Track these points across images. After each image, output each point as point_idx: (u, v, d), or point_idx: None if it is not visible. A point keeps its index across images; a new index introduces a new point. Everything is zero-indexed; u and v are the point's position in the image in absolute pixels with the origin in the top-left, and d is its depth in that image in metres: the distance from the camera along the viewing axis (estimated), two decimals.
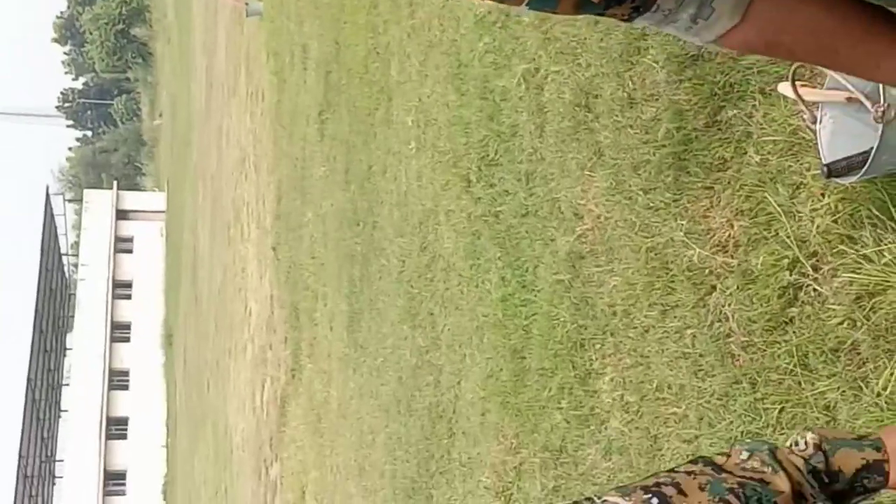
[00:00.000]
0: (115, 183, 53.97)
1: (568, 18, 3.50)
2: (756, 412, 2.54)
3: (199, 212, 22.70)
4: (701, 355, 2.77)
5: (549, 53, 3.84)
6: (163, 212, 43.74)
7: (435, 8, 5.40)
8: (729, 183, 2.67)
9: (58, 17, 79.06)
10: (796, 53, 1.22)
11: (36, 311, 48.80)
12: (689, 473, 1.35)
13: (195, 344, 23.12)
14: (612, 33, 3.32)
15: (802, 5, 1.07)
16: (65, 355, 54.14)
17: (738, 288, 2.61)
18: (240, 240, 13.96)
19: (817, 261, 2.37)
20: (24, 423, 47.06)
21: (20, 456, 45.91)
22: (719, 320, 2.69)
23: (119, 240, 46.84)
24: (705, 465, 1.38)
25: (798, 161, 2.42)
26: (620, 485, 1.37)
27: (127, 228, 47.24)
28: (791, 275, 2.43)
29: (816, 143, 2.21)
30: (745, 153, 2.60)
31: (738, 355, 2.62)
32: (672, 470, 1.37)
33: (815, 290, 2.37)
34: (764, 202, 2.52)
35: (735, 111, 2.66)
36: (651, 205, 3.03)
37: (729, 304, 2.65)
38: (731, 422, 2.64)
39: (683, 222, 2.85)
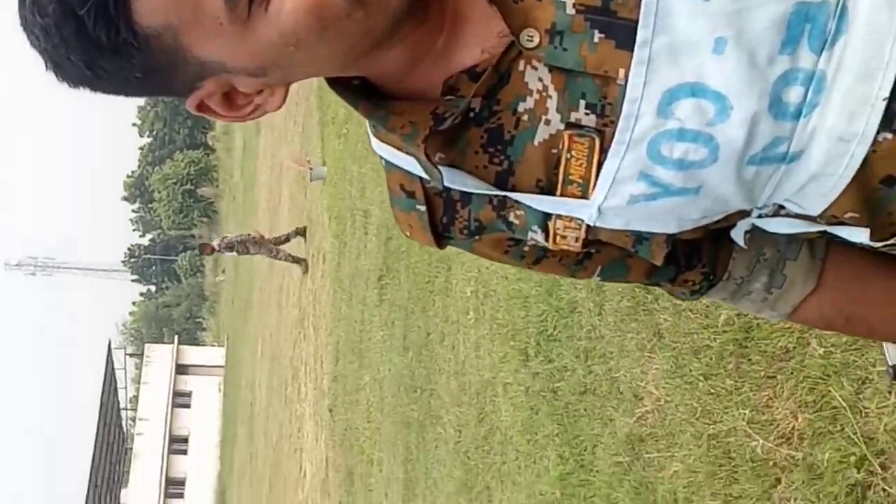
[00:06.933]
0: (175, 338, 54.70)
1: None
2: None
3: (257, 368, 22.81)
4: None
5: None
6: (221, 367, 44.04)
7: None
8: (792, 373, 2.63)
9: (128, 177, 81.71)
10: (876, 329, 1.19)
11: (92, 465, 48.79)
12: None
13: (249, 502, 22.88)
14: None
15: (876, 277, 1.06)
16: None
17: (803, 482, 2.54)
18: (297, 399, 13.96)
19: (886, 459, 2.31)
20: None
21: None
22: None
23: (177, 394, 47.05)
24: None
25: (863, 356, 2.39)
26: None
27: (186, 383, 47.50)
28: (859, 472, 2.37)
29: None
30: (808, 344, 2.58)
31: None
32: None
33: (884, 489, 2.30)
34: (828, 396, 2.47)
35: None
36: (712, 391, 2.99)
37: (795, 499, 2.57)
38: None
39: (746, 411, 2.81)
